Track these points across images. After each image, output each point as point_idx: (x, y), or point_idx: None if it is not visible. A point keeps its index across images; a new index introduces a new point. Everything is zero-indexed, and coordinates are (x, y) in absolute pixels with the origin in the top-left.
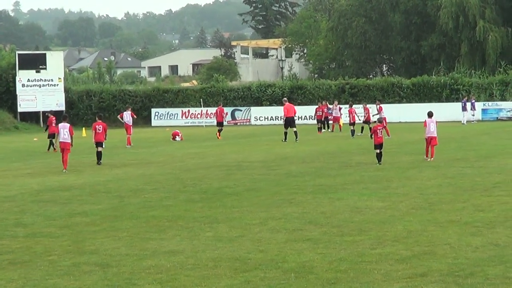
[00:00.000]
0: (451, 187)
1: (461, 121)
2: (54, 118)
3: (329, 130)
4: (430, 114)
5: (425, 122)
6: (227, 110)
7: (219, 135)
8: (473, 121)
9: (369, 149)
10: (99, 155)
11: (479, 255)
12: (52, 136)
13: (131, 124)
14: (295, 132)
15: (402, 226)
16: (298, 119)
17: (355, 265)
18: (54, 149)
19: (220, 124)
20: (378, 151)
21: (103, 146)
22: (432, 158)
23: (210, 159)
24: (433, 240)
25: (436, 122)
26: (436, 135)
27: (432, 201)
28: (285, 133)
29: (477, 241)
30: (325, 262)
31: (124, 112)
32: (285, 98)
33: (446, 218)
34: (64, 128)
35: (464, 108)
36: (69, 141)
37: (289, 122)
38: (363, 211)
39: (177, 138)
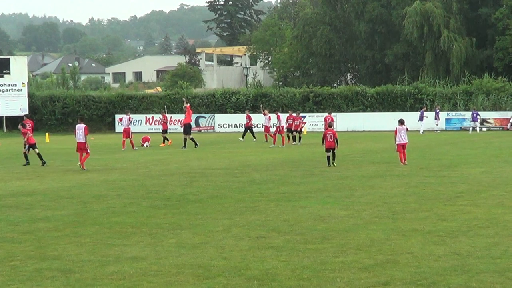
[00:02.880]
0: (415, 196)
1: (419, 131)
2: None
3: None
4: (401, 122)
5: (396, 129)
6: (191, 117)
7: (169, 142)
8: (436, 130)
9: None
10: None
11: (441, 264)
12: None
13: (128, 128)
14: (185, 140)
15: (365, 234)
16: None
17: (318, 273)
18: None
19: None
20: (328, 154)
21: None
22: (405, 161)
23: (174, 166)
24: (396, 249)
25: (407, 129)
26: (407, 142)
27: (395, 210)
28: (185, 140)
29: (440, 250)
30: (288, 269)
31: (124, 116)
32: (188, 104)
33: (409, 227)
34: (79, 129)
35: (421, 118)
36: (84, 141)
37: (190, 127)
38: (326, 219)
39: (146, 144)
